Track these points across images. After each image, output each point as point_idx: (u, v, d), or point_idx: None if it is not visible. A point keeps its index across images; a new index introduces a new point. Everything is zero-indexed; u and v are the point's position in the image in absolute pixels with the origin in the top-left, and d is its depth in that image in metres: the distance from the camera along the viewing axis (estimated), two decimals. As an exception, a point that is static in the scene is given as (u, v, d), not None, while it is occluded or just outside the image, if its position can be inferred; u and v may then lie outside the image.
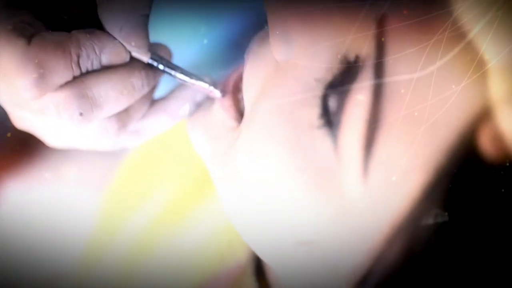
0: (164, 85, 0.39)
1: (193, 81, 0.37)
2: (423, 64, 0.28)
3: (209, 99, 0.38)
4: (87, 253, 0.51)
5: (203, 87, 0.37)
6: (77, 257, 0.51)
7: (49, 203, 0.53)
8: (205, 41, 0.38)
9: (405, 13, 0.29)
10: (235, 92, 0.36)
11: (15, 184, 0.52)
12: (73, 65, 0.33)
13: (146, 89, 0.36)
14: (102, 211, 0.52)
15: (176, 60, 0.38)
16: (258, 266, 0.43)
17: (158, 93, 0.39)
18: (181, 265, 0.47)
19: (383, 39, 0.29)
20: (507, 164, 0.28)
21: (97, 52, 0.33)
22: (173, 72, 0.37)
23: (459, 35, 0.28)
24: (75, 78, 0.33)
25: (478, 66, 0.28)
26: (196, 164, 0.39)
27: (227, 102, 0.36)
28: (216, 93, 0.37)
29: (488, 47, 0.27)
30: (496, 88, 0.28)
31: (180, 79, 0.37)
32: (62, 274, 0.52)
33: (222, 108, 0.36)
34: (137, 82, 0.35)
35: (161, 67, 0.36)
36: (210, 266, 0.46)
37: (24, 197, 0.52)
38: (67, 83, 0.33)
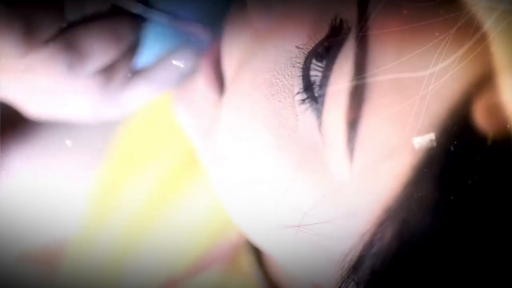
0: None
1: (181, 24, 0.35)
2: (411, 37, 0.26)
3: (192, 71, 0.36)
4: (81, 231, 0.50)
5: (193, 29, 0.36)
6: (72, 234, 0.50)
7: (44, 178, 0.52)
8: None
9: None
10: (215, 65, 0.34)
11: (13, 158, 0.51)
12: (58, 18, 0.31)
13: (132, 38, 0.34)
14: (94, 190, 0.51)
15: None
16: None
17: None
18: (173, 243, 0.46)
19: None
20: (504, 138, 0.25)
21: (80, 3, 0.32)
22: (160, 17, 0.35)
23: None
24: (59, 31, 0.32)
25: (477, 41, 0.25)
26: (189, 141, 0.37)
27: (208, 75, 0.34)
28: (208, 35, 0.35)
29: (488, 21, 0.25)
30: (491, 59, 0.25)
31: (168, 24, 0.35)
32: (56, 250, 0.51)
33: (204, 82, 0.34)
34: (123, 31, 0.34)
35: (146, 13, 0.35)
36: (202, 243, 0.45)
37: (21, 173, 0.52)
38: (51, 37, 0.32)
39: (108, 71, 0.35)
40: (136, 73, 0.37)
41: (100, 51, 0.33)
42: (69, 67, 0.32)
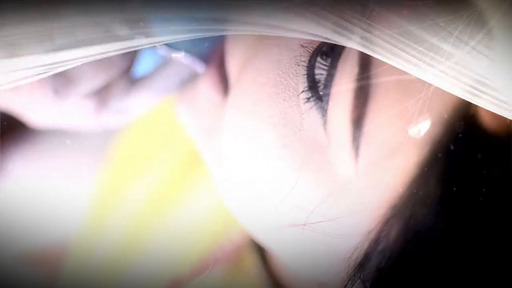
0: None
1: (173, 54, 0.35)
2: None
3: (194, 76, 0.36)
4: (82, 231, 0.50)
5: (184, 60, 0.35)
6: (74, 233, 0.50)
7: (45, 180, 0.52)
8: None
9: None
10: (219, 66, 0.34)
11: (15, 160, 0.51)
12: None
13: (124, 64, 0.34)
14: (96, 190, 0.50)
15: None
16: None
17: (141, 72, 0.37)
18: (176, 243, 0.46)
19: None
20: (506, 135, 0.25)
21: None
22: (152, 46, 0.34)
23: None
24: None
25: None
26: (190, 141, 0.37)
27: (212, 77, 0.34)
28: (199, 66, 0.35)
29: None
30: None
31: (160, 53, 0.35)
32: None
33: (207, 84, 0.34)
34: (114, 57, 0.33)
35: (138, 41, 0.34)
36: (205, 243, 0.45)
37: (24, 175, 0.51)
38: None
39: (103, 91, 0.34)
40: (136, 81, 0.37)
41: (89, 76, 0.33)
42: (55, 91, 0.32)
